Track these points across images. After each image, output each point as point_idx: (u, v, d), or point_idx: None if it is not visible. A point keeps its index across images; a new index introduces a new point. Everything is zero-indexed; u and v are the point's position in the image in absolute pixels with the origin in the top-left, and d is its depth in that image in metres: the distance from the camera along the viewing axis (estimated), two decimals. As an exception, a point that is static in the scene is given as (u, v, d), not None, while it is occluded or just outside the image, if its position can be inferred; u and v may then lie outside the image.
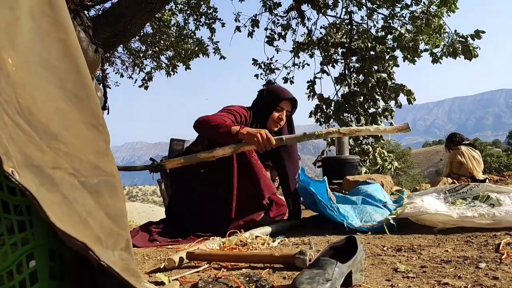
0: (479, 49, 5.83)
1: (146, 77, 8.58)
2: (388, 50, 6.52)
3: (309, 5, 7.19)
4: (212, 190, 2.18)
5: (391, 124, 7.02)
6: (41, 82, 1.04)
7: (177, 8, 7.66)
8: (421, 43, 6.37)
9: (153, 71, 8.53)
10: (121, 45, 6.77)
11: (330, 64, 7.51)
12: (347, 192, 3.52)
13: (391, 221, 1.92)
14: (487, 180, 4.42)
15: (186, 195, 2.25)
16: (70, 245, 0.88)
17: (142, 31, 6.99)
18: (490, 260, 1.28)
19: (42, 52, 1.07)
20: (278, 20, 7.92)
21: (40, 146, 0.93)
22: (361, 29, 7.30)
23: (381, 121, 6.99)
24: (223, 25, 7.96)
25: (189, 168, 2.22)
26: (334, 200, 2.17)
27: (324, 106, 7.33)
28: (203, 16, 7.67)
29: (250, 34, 7.98)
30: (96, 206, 1.00)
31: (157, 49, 7.95)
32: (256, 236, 1.84)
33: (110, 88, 4.27)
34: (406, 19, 6.63)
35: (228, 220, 2.10)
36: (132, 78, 8.72)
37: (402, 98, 6.80)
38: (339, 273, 1.02)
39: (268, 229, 2.02)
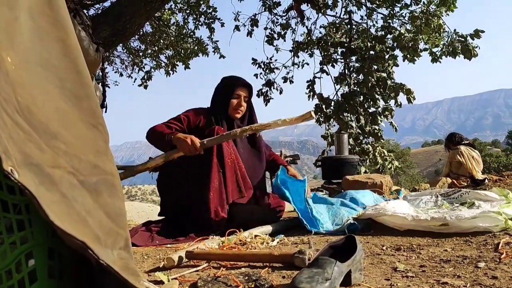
0: (479, 48, 5.83)
1: (146, 76, 8.57)
2: (388, 49, 6.52)
3: (309, 4, 7.18)
4: (195, 189, 2.21)
5: (391, 123, 7.03)
6: (41, 81, 1.04)
7: (176, 7, 7.65)
8: (421, 42, 6.38)
9: (152, 70, 8.52)
10: (121, 44, 6.76)
11: (330, 64, 7.51)
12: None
13: (352, 221, 1.98)
14: (486, 180, 4.41)
15: (174, 197, 2.26)
16: (69, 244, 0.88)
17: (141, 30, 6.98)
18: (489, 259, 1.28)
19: (42, 51, 1.07)
20: (277, 19, 7.93)
21: (39, 145, 0.92)
22: (360, 28, 7.30)
23: (381, 121, 7.00)
24: (222, 24, 7.95)
25: (173, 171, 2.28)
26: (310, 198, 2.23)
27: (323, 106, 7.33)
28: (202, 16, 7.66)
29: (250, 34, 7.98)
30: (95, 205, 1.00)
31: (156, 48, 7.95)
32: (255, 236, 1.84)
33: (109, 87, 4.27)
34: (406, 18, 6.63)
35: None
36: (132, 77, 8.71)
37: (402, 98, 6.81)
38: (338, 272, 1.02)
39: (267, 228, 2.02)
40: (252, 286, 1.10)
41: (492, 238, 1.56)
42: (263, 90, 8.20)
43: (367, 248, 1.58)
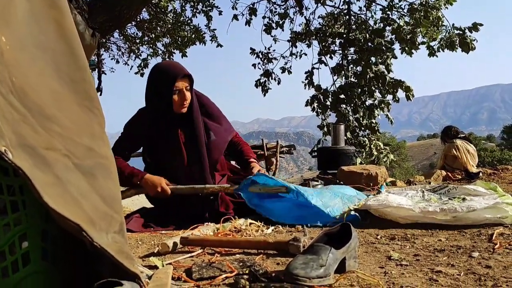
0: (476, 41, 5.83)
1: (142, 64, 8.52)
2: (386, 43, 6.49)
3: (308, -6, 7.14)
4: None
5: (387, 116, 7.04)
6: (36, 63, 1.03)
7: (174, -6, 7.59)
8: (419, 35, 6.36)
9: (149, 58, 8.46)
10: (117, 31, 6.70)
11: (328, 55, 7.48)
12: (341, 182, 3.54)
13: (353, 212, 1.89)
14: (480, 174, 4.44)
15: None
16: (63, 226, 0.87)
17: (138, 16, 6.91)
18: (483, 249, 1.29)
19: (37, 33, 1.06)
20: (275, 9, 7.87)
21: (34, 126, 0.91)
22: (359, 20, 7.27)
23: (378, 114, 7.01)
24: (220, 13, 7.89)
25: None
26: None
27: (321, 97, 7.32)
28: (200, 3, 7.60)
29: (248, 23, 7.92)
30: (89, 188, 0.99)
31: (153, 35, 7.88)
32: (250, 223, 1.84)
33: (105, 74, 4.23)
34: (405, 10, 6.60)
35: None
36: (128, 65, 8.65)
37: (400, 93, 6.81)
38: (333, 259, 1.02)
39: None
40: (247, 272, 1.10)
41: (486, 229, 1.57)
42: (261, 80, 8.18)
43: (362, 237, 1.59)
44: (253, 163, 2.37)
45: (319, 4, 7.37)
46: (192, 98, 2.24)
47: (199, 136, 2.23)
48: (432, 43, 6.39)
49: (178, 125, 2.22)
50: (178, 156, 2.19)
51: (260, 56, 8.16)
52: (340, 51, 7.29)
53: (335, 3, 7.53)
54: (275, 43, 8.14)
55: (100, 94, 3.22)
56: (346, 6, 7.31)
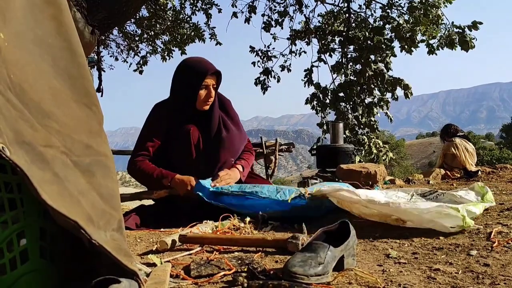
0: (476, 40, 5.83)
1: (141, 61, 8.51)
2: (386, 41, 6.49)
3: (308, -8, 7.14)
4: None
5: (386, 114, 7.04)
6: (34, 59, 1.02)
7: (173, -9, 7.58)
8: (419, 33, 6.36)
9: (148, 55, 8.46)
10: (116, 28, 6.69)
11: (328, 53, 7.48)
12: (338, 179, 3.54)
13: (302, 196, 1.88)
14: (479, 172, 4.44)
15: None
16: (61, 224, 0.87)
17: (138, 14, 6.90)
18: (481, 248, 1.29)
19: (35, 29, 1.05)
20: (275, 6, 7.87)
21: (31, 123, 0.91)
22: (359, 18, 7.26)
23: (377, 112, 7.01)
24: (219, 10, 7.89)
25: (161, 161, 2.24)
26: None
27: (320, 95, 7.33)
28: (199, 1, 7.59)
29: (247, 20, 7.92)
30: (88, 186, 0.99)
31: (152, 33, 7.88)
32: (249, 221, 1.84)
33: (104, 71, 4.23)
34: (405, 9, 6.60)
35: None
36: (127, 62, 8.65)
37: (399, 91, 6.81)
38: (331, 257, 1.02)
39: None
40: (245, 269, 1.10)
41: (485, 227, 1.56)
42: (261, 78, 8.17)
43: (360, 235, 1.58)
44: (232, 169, 2.26)
45: (319, 2, 7.37)
46: (215, 97, 2.25)
47: (214, 136, 2.22)
48: (431, 41, 6.39)
49: (196, 121, 2.22)
50: (187, 153, 2.17)
51: (260, 54, 8.16)
52: (340, 49, 7.29)
53: (334, 1, 7.54)
54: (275, 41, 8.15)
55: (102, 95, 3.20)
56: (346, 4, 7.31)
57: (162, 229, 1.90)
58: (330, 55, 7.50)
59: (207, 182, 2.05)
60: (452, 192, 1.94)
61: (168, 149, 2.23)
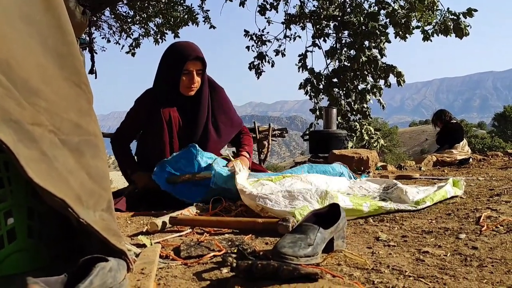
0: (470, 27, 5.82)
1: (134, 44, 8.40)
2: (381, 27, 6.46)
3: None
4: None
5: (379, 101, 7.04)
6: (21, 36, 1.00)
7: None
8: (413, 19, 6.33)
9: (141, 37, 8.35)
10: (108, 9, 6.58)
11: (322, 38, 7.44)
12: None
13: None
14: (470, 159, 4.48)
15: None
16: (49, 202, 0.86)
17: (130, -5, 6.79)
18: (470, 231, 1.30)
19: (23, 6, 1.03)
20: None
21: (19, 101, 0.89)
22: (354, 3, 7.20)
23: (369, 99, 7.02)
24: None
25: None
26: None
27: (314, 80, 7.30)
28: (193, -17, 7.49)
29: (242, 4, 7.83)
30: (77, 165, 0.97)
31: (145, 15, 7.76)
32: (240, 204, 1.84)
33: (96, 53, 4.16)
34: (400, -6, 6.56)
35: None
36: (119, 44, 8.54)
37: (391, 78, 6.81)
38: (321, 238, 1.02)
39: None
40: (235, 251, 1.10)
41: (474, 212, 1.58)
42: (255, 63, 8.12)
43: (351, 218, 1.59)
44: (241, 157, 2.27)
45: (314, -14, 7.29)
46: (203, 83, 2.21)
47: (199, 122, 2.19)
48: (426, 28, 6.36)
49: (180, 106, 2.19)
50: (160, 135, 2.14)
51: (254, 38, 8.10)
52: (334, 34, 7.25)
53: (330, -15, 7.45)
54: (269, 25, 8.07)
55: (95, 77, 3.16)
56: (342, -12, 7.25)
57: (152, 211, 1.90)
58: (325, 40, 7.46)
59: (222, 169, 2.00)
60: (401, 187, 1.85)
61: (147, 131, 2.23)
